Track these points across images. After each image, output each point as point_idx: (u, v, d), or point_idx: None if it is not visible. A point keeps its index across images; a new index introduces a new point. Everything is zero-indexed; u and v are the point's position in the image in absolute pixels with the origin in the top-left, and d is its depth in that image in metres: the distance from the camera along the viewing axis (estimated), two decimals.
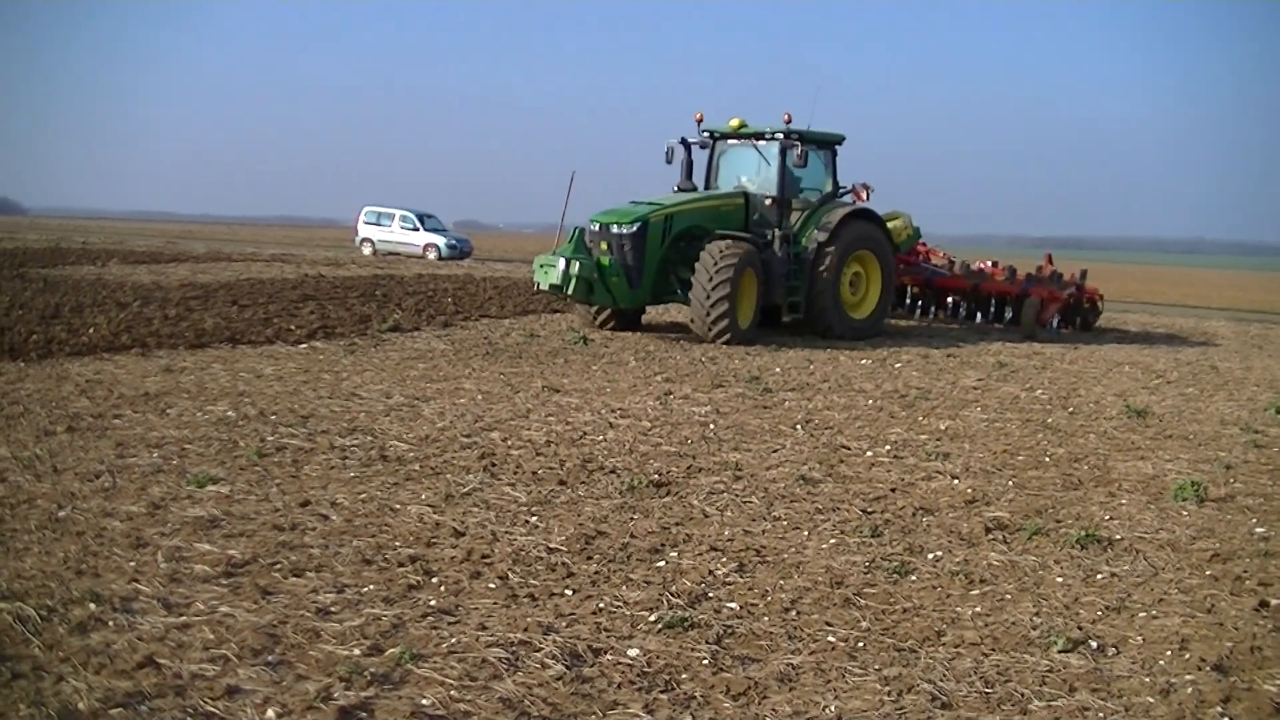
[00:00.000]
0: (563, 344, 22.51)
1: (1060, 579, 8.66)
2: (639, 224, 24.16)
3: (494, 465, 11.52)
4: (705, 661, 6.66)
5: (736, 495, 10.72)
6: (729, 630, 7.18)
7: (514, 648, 6.69)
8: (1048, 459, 13.07)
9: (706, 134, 27.27)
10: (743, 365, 20.36)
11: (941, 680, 6.68)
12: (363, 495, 10.14)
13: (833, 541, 9.33)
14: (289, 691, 6.02)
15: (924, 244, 33.29)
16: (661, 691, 6.38)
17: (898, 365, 21.56)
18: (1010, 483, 11.78)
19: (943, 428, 14.81)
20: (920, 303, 32.33)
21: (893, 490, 11.24)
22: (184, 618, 6.95)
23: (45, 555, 8.06)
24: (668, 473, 11.47)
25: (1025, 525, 10.04)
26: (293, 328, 22.46)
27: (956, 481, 11.71)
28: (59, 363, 17.04)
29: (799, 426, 14.39)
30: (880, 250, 27.07)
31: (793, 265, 25.49)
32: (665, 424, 14.11)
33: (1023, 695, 6.58)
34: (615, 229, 24.22)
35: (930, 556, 9.08)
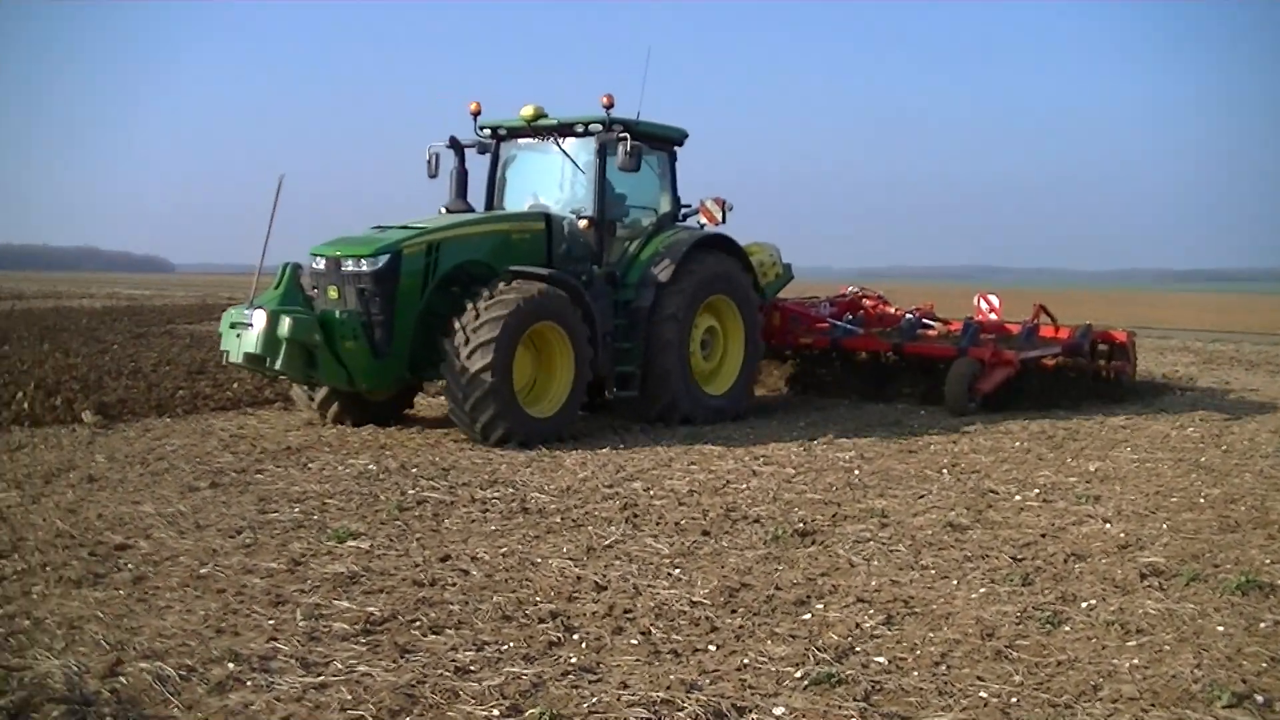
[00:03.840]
0: None
1: (1221, 628, 8.27)
2: (387, 256, 15.89)
3: (636, 516, 11.38)
4: (854, 719, 6.45)
5: (883, 543, 10.46)
6: (877, 686, 6.93)
7: (656, 707, 6.50)
8: (1202, 500, 12.62)
9: (487, 131, 19.08)
10: (888, 409, 20.05)
11: None
12: (503, 549, 10.04)
13: (982, 590, 9.03)
14: None
15: (867, 293, 25.04)
16: None
17: None
18: (1164, 526, 11.38)
19: (1092, 469, 14.41)
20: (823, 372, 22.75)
21: (1043, 536, 10.89)
22: (322, 677, 6.85)
23: (186, 613, 8.04)
24: (812, 521, 11.24)
25: (1182, 571, 9.65)
26: None
27: (1109, 525, 11.33)
28: (204, 418, 17.28)
29: (945, 470, 14.11)
30: (742, 296, 19.28)
31: (618, 318, 17.85)
32: (809, 470, 13.90)
33: None
34: (349, 265, 16.02)
35: (1084, 605, 8.73)
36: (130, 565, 9.26)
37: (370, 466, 13.60)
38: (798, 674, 7.09)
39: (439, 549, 9.98)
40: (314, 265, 16.38)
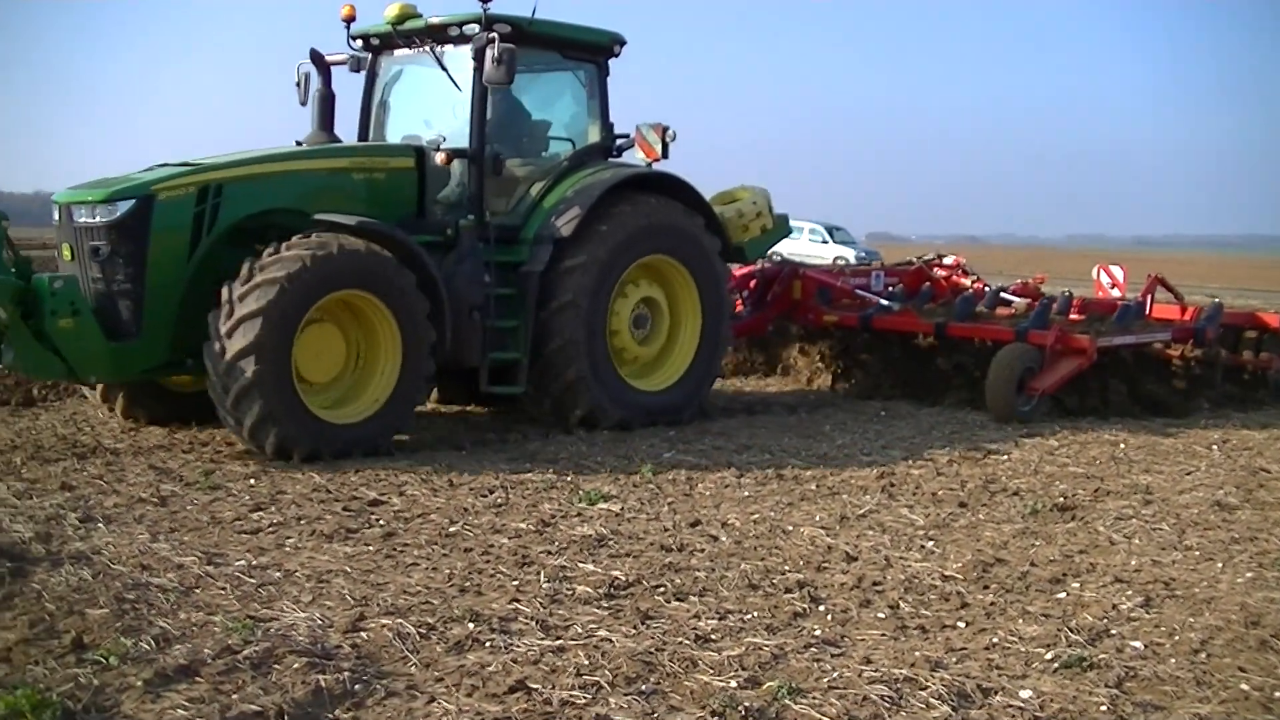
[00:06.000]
0: None
1: None
2: (130, 203, 11.77)
3: (893, 485, 11.18)
4: (1104, 708, 6.13)
5: (1146, 521, 10.06)
6: (1131, 672, 6.63)
7: (898, 685, 6.31)
8: None
9: (358, 42, 14.71)
10: None
11: None
12: (755, 515, 9.93)
13: (1249, 575, 8.58)
14: None
15: (941, 261, 20.45)
16: None
17: None
18: None
19: None
20: (840, 362, 18.18)
21: None
22: (560, 640, 6.82)
23: (432, 571, 8.12)
24: (1073, 495, 10.90)
25: None
26: None
27: None
28: None
29: (1215, 446, 13.56)
30: (696, 256, 14.69)
31: (498, 289, 13.34)
32: (1073, 442, 13.48)
33: None
34: (82, 216, 11.98)
35: None
36: (382, 521, 9.39)
37: (627, 433, 13.58)
38: (1048, 655, 6.84)
39: (689, 514, 9.92)
40: (54, 217, 12.52)
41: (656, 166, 14.86)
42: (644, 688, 6.20)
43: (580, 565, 8.31)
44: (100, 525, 8.96)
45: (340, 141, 14.25)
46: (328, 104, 14.48)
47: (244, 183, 12.35)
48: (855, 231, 67.81)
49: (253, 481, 10.52)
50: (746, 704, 5.97)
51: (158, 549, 8.35)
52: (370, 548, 8.65)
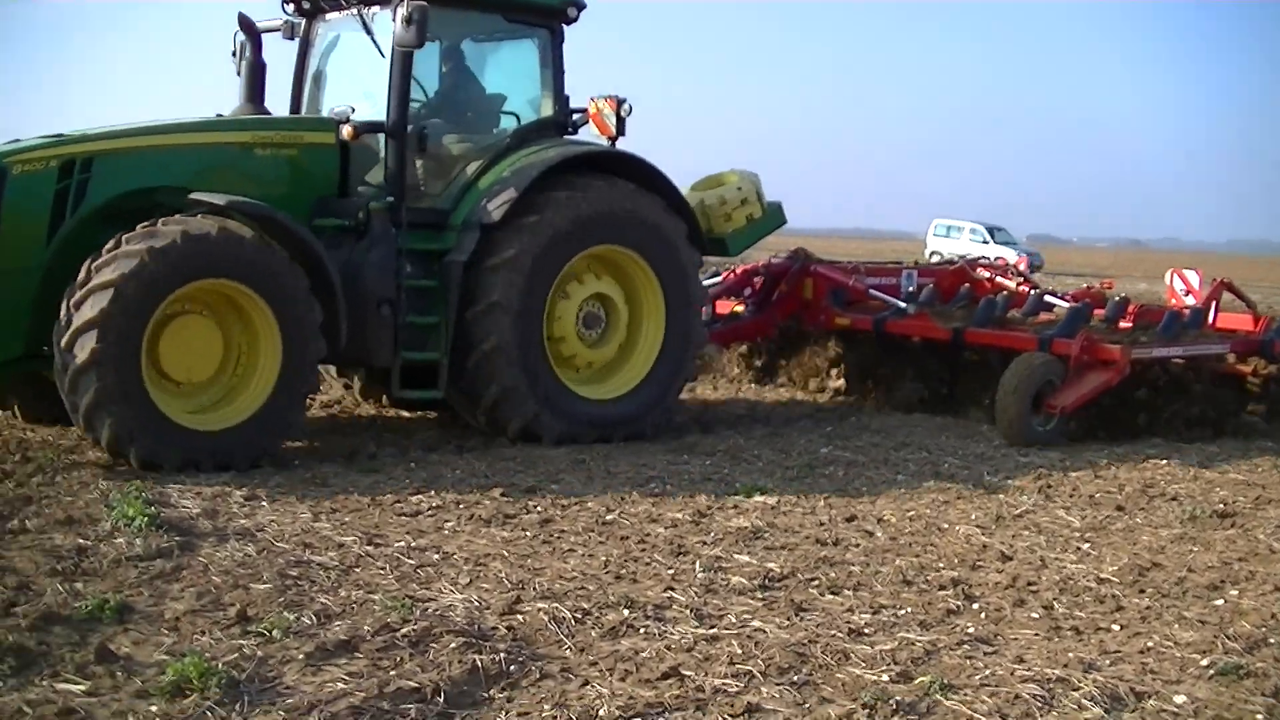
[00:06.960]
0: None
1: None
2: None
3: (1049, 486, 11.09)
4: (1260, 716, 6.06)
5: None
6: None
7: (1051, 684, 6.28)
8: None
9: (291, 5, 13.04)
10: None
11: None
12: (910, 512, 9.93)
13: None
14: (810, 714, 5.82)
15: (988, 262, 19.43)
16: None
17: None
18: None
19: None
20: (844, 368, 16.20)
21: None
22: (714, 629, 6.89)
23: (588, 557, 8.22)
24: (1234, 502, 10.72)
25: None
26: None
27: None
28: None
29: None
30: (659, 248, 12.73)
31: (416, 280, 11.80)
32: (1234, 448, 13.30)
33: None
34: None
35: None
36: (539, 508, 9.50)
37: (784, 427, 13.61)
38: (1204, 662, 6.76)
39: (845, 509, 9.92)
40: None
41: (605, 144, 13.13)
42: (796, 678, 6.24)
43: (735, 556, 8.38)
44: (264, 503, 9.21)
45: (269, 114, 12.69)
46: (256, 74, 12.71)
47: (118, 157, 10.98)
48: (1016, 233, 67.31)
49: (413, 465, 10.72)
50: (898, 698, 6.00)
51: (319, 528, 8.57)
52: (527, 533, 8.77)
